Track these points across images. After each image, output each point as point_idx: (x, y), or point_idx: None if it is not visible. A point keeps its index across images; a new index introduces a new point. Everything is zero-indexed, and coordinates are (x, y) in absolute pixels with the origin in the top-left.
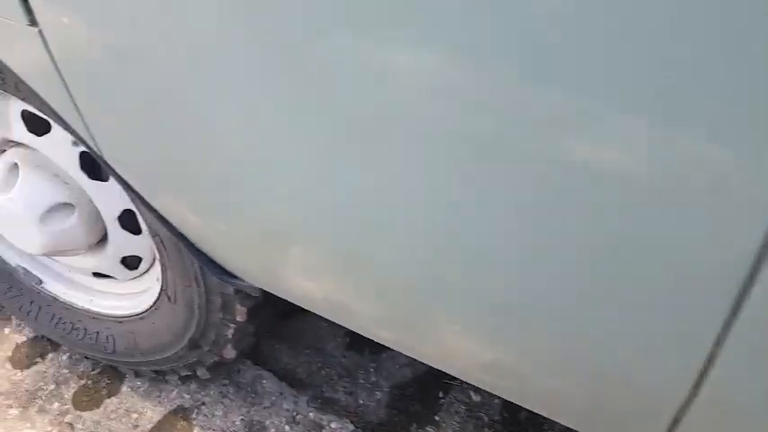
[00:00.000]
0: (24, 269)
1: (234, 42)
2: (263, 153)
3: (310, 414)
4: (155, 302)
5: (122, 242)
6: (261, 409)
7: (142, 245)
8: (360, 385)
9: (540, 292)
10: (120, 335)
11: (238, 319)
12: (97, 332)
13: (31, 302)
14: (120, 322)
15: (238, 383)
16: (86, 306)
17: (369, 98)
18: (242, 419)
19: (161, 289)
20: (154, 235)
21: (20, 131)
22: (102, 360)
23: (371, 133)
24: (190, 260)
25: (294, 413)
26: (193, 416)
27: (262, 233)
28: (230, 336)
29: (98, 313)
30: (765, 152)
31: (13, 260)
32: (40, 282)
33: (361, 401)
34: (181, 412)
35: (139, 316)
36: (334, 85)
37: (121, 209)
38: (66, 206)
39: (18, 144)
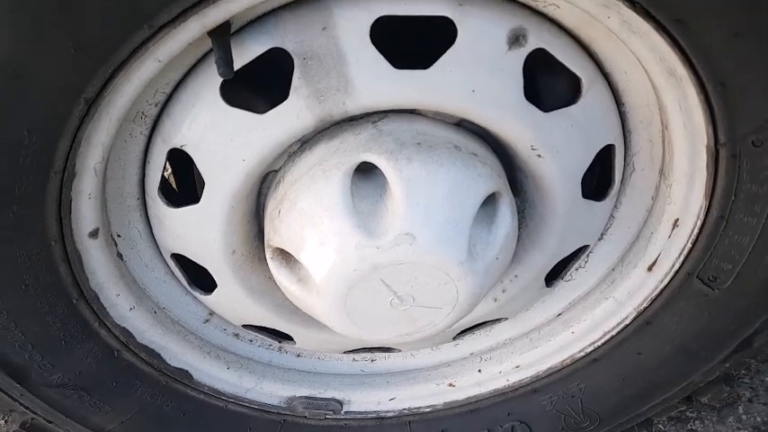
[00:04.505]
0: (306, 400)
1: None
2: None
3: None
4: (648, 307)
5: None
6: None
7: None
8: None
9: None
10: (538, 413)
11: None
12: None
13: None
14: (534, 390)
15: None
16: (447, 398)
17: None
18: None
19: (680, 274)
20: None
21: None
22: None
23: None
24: None
25: None
26: None
27: None
28: None
29: (486, 395)
30: None
31: (276, 395)
32: (341, 406)
33: None
34: None
35: (591, 355)
36: None
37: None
38: None
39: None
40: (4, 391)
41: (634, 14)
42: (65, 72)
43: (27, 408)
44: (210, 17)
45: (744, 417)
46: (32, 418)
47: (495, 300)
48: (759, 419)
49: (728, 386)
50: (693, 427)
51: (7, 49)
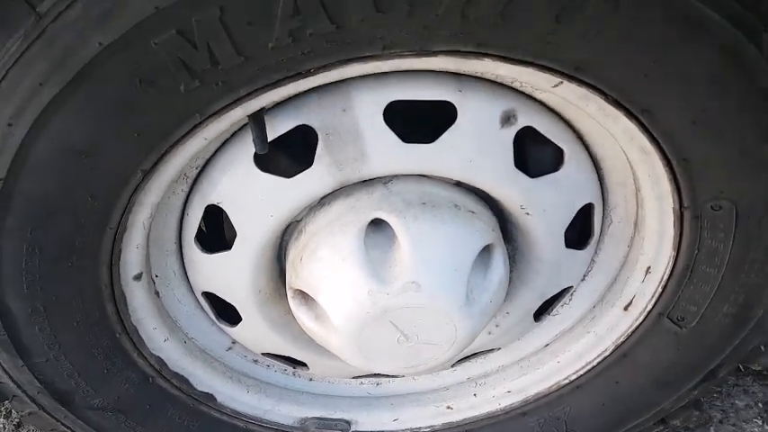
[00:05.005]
0: (318, 420)
1: None
2: None
3: None
4: (621, 344)
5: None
6: None
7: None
8: None
9: None
10: None
11: None
12: None
13: None
14: (524, 413)
15: None
16: (444, 420)
17: None
18: None
19: (652, 314)
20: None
21: None
22: None
23: None
24: None
25: None
26: None
27: None
28: None
29: (480, 417)
30: None
31: (291, 416)
32: (349, 426)
33: None
34: None
35: (574, 382)
36: None
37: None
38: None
39: None
40: (49, 413)
41: (607, 104)
42: (127, 152)
43: (68, 428)
44: (252, 104)
45: None
46: None
47: (490, 333)
48: None
49: (698, 411)
50: None
51: (77, 134)
